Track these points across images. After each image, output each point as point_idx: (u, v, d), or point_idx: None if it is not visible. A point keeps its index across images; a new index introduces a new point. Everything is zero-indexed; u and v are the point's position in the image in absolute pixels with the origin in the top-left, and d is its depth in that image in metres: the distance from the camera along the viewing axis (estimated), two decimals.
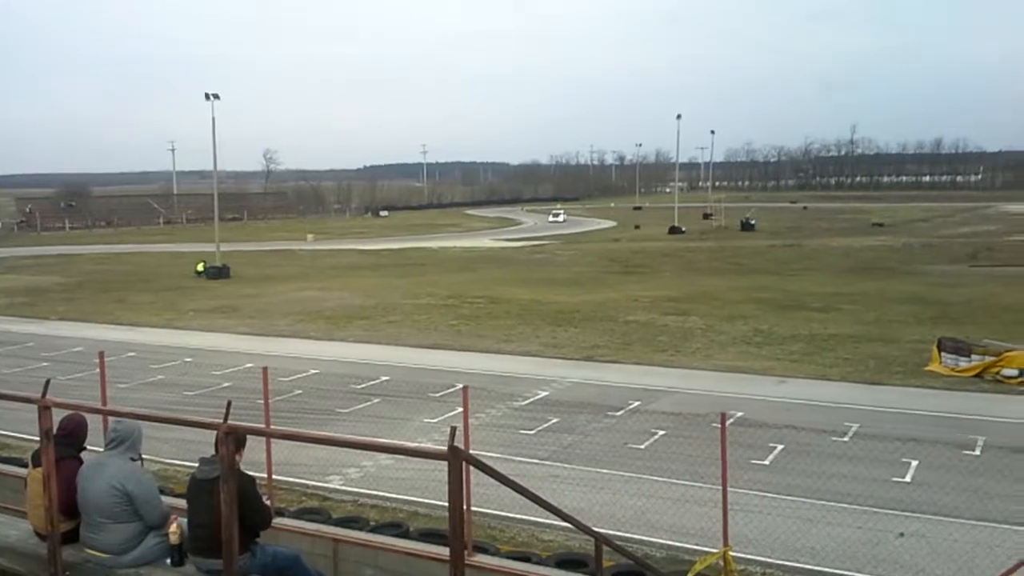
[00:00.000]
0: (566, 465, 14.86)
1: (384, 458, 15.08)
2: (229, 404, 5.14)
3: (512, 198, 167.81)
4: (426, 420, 17.69)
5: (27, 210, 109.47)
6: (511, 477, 5.04)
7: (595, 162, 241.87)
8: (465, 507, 9.28)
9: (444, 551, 9.15)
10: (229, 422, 5.01)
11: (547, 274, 46.49)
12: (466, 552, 9.12)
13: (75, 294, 41.18)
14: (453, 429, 4.57)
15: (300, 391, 20.27)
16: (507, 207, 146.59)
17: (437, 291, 39.01)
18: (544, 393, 20.08)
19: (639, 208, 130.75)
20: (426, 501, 13.02)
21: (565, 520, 5.52)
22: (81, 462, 6.17)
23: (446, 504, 12.54)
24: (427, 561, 9.12)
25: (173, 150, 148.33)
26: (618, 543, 6.96)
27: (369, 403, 19.37)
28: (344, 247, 70.58)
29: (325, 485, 14.13)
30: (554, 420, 17.64)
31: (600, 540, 5.99)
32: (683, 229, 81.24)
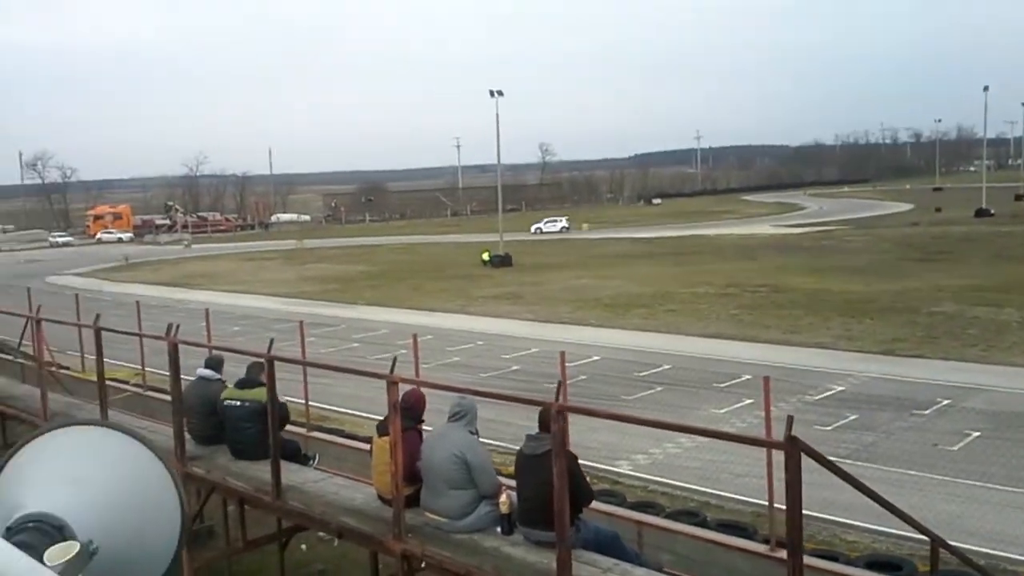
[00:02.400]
0: (868, 464, 13.99)
1: (672, 446, 15.07)
2: (559, 385, 5.39)
3: (792, 182, 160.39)
4: (712, 411, 17.41)
5: (332, 205, 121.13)
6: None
7: (887, 140, 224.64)
8: (769, 501, 9.08)
9: (748, 543, 9.03)
10: (562, 402, 5.26)
11: (836, 261, 43.98)
12: (769, 546, 8.93)
13: (377, 281, 44.89)
14: (790, 419, 4.48)
15: (584, 376, 20.66)
16: (787, 191, 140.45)
17: (715, 279, 38.25)
18: (839, 388, 19.06)
19: (939, 189, 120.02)
20: (716, 492, 12.91)
21: (905, 520, 5.24)
22: (420, 433, 6.76)
23: (737, 496, 12.29)
24: (728, 551, 9.02)
25: (458, 146, 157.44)
26: (955, 547, 6.48)
27: (652, 391, 19.37)
28: (619, 235, 71.20)
29: (614, 469, 14.33)
30: (852, 417, 16.70)
31: (938, 542, 5.62)
32: (992, 212, 73.45)
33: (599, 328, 28.25)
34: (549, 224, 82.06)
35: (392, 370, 6.17)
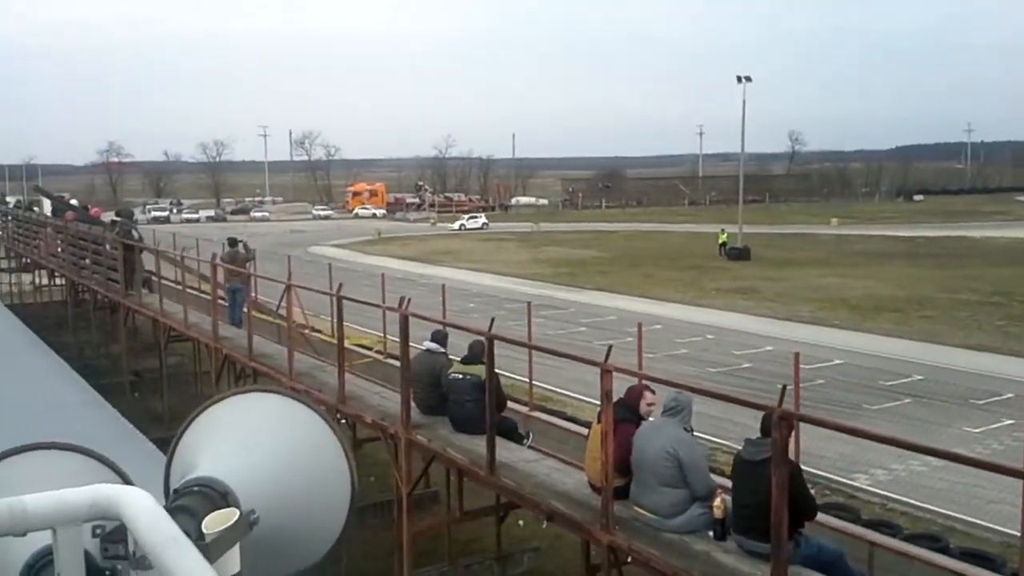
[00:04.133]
0: None
1: (917, 463, 13.90)
2: (784, 388, 5.00)
3: None
4: (966, 429, 15.93)
5: (570, 190, 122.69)
6: None
7: None
8: (1022, 532, 8.07)
9: None
10: (784, 407, 4.86)
11: None
12: None
13: (609, 267, 44.89)
14: None
15: (822, 381, 19.58)
16: None
17: (981, 286, 34.83)
18: None
19: None
20: (963, 517, 11.97)
21: None
22: (638, 427, 6.54)
23: (987, 523, 11.11)
24: None
25: (701, 134, 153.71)
26: None
27: (899, 402, 18.06)
28: (872, 233, 66.64)
29: (849, 482, 13.55)
30: None
31: None
32: None
33: (843, 330, 26.67)
34: (471, 220, 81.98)
35: (607, 358, 6.00)
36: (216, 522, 1.49)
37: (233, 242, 17.41)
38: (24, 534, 1.41)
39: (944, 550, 9.58)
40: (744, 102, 49.89)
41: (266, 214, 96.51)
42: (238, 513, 1.52)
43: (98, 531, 1.48)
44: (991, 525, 11.18)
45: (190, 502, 1.54)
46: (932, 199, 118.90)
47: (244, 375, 13.90)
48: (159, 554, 1.30)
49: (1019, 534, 8.28)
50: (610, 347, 6.29)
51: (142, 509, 1.39)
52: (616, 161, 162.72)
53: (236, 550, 1.51)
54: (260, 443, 1.75)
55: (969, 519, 11.77)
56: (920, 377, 20.04)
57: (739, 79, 50.14)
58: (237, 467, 1.67)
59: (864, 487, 13.32)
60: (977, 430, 15.71)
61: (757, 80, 51.45)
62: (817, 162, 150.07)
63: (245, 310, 15.22)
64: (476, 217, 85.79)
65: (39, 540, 1.49)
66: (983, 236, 61.78)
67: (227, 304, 16.26)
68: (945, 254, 49.55)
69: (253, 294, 17.49)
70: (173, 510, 1.49)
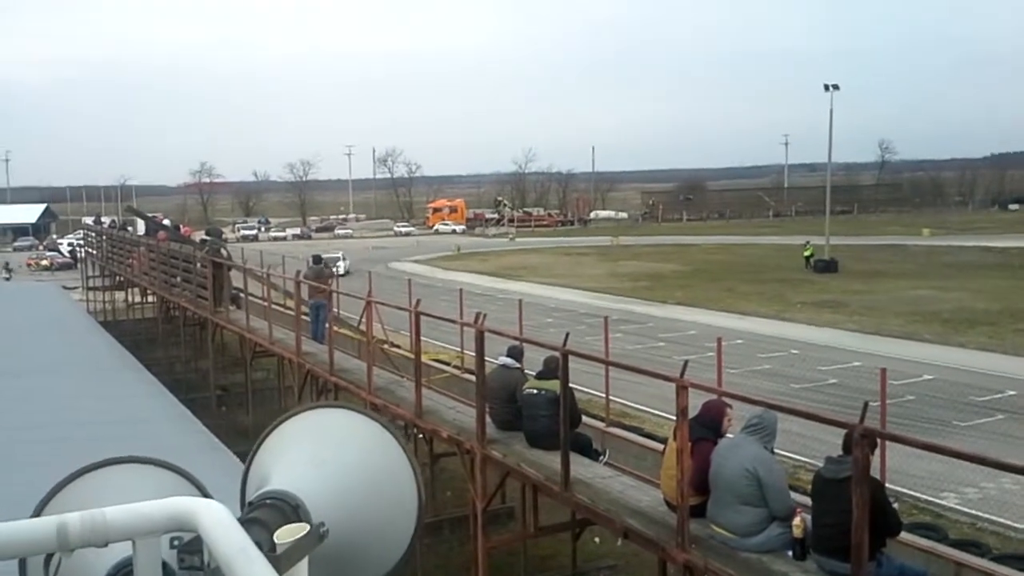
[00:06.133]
0: None
1: (1009, 482, 13.34)
2: (866, 405, 4.88)
3: None
4: None
5: (650, 203, 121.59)
6: None
7: None
8: None
9: None
10: (866, 424, 4.76)
11: None
12: None
13: (689, 281, 44.32)
14: None
15: (912, 397, 18.99)
16: None
17: None
18: None
19: None
20: None
21: None
22: (716, 445, 6.46)
23: None
24: None
25: (786, 144, 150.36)
26: None
27: (991, 419, 17.44)
28: (965, 244, 64.25)
29: (939, 501, 13.12)
30: None
31: None
32: None
33: (934, 345, 25.88)
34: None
35: (682, 374, 5.95)
36: (287, 534, 1.56)
37: (318, 259, 17.81)
38: (105, 545, 1.49)
39: None
40: (831, 111, 48.94)
41: (350, 231, 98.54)
42: (308, 526, 1.59)
43: (175, 542, 1.56)
44: None
45: (263, 515, 1.62)
46: None
47: (325, 390, 14.19)
48: (230, 564, 1.37)
49: None
50: (685, 362, 6.23)
51: (217, 521, 1.46)
52: (698, 173, 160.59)
53: (305, 563, 1.58)
54: (330, 457, 1.82)
55: None
56: (1013, 392, 19.32)
57: (826, 87, 49.11)
58: (308, 481, 1.74)
59: (953, 506, 12.91)
60: None
61: (845, 88, 50.34)
62: (908, 171, 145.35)
63: (328, 326, 15.53)
64: (340, 259, 49.07)
65: (120, 551, 1.58)
66: None
67: (310, 320, 16.62)
68: None
69: (334, 310, 17.83)
70: (247, 522, 1.57)
